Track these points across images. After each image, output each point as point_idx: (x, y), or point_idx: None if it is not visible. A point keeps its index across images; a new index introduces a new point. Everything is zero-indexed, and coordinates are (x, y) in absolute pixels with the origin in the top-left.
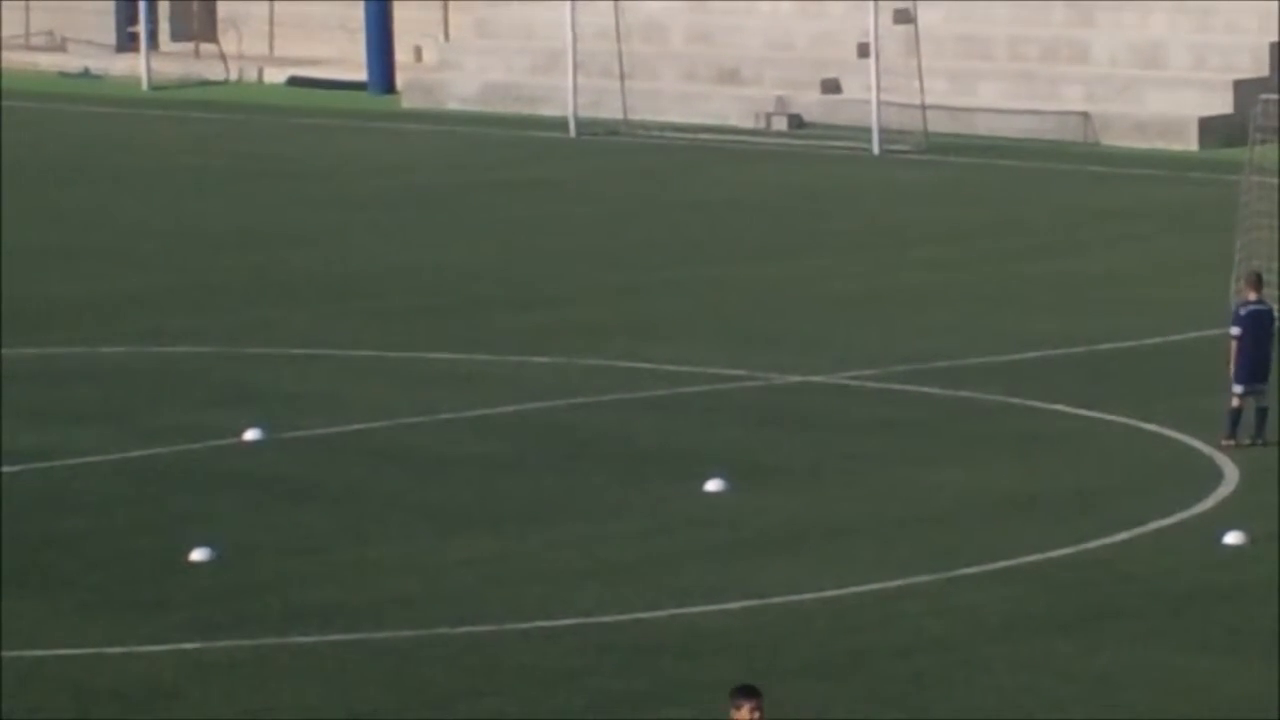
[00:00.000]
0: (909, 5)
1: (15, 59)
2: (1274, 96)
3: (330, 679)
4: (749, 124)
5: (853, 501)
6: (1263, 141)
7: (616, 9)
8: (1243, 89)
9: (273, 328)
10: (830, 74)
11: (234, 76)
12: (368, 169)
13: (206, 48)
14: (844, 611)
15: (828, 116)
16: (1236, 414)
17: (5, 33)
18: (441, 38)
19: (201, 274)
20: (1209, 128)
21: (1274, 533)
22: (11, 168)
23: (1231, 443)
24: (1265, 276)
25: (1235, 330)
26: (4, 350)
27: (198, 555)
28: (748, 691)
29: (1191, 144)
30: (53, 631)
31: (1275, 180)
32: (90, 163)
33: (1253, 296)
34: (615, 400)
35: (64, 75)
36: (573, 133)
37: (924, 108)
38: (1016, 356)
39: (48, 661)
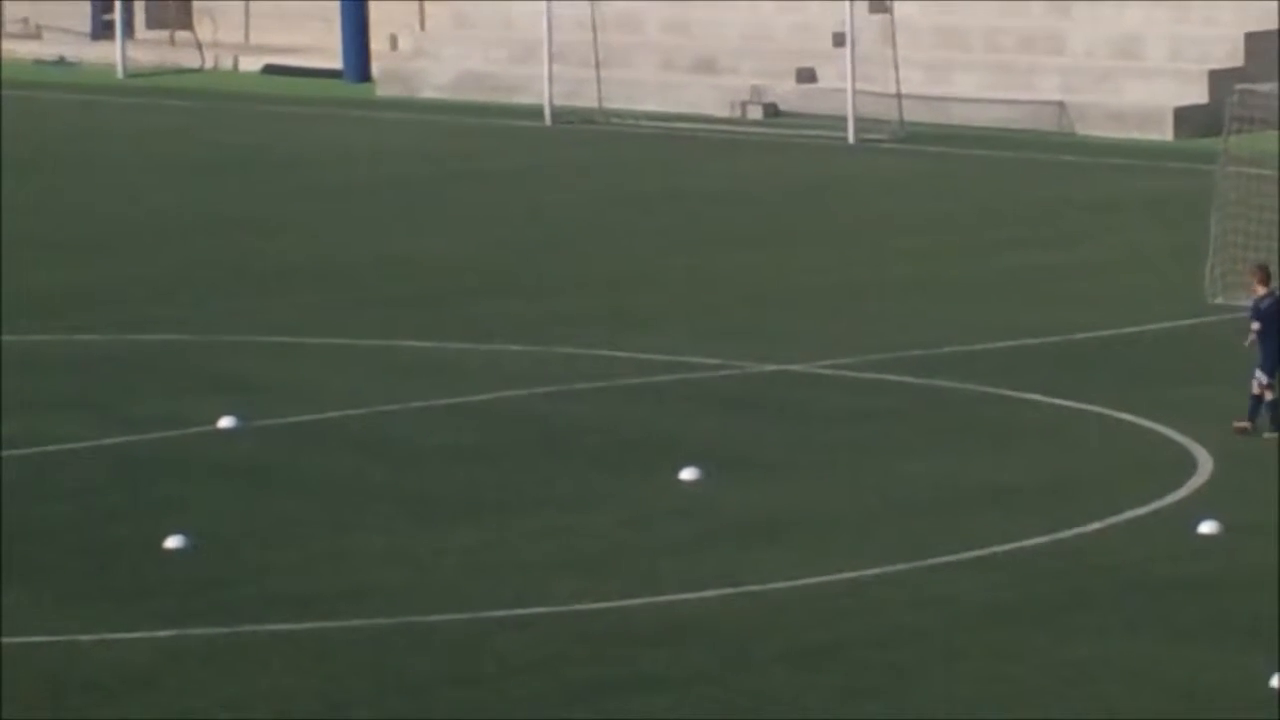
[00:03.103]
0: None
1: None
2: (1249, 87)
3: (307, 667)
4: (725, 113)
5: (829, 491)
6: (1238, 131)
7: None
8: (1218, 79)
9: (249, 316)
10: (806, 63)
11: (209, 65)
12: (343, 158)
13: (182, 36)
14: (820, 600)
15: (804, 106)
16: (1258, 400)
17: None
18: (417, 26)
19: (177, 262)
20: (1184, 118)
21: (1248, 522)
22: None
23: (1247, 426)
24: (1238, 267)
25: (1255, 326)
26: None
27: (173, 543)
28: None
29: (1167, 134)
30: (29, 619)
31: (1250, 170)
32: (66, 151)
33: (1261, 290)
34: (591, 389)
35: (39, 63)
36: (548, 122)
37: (900, 97)
38: (992, 346)
39: (24, 649)
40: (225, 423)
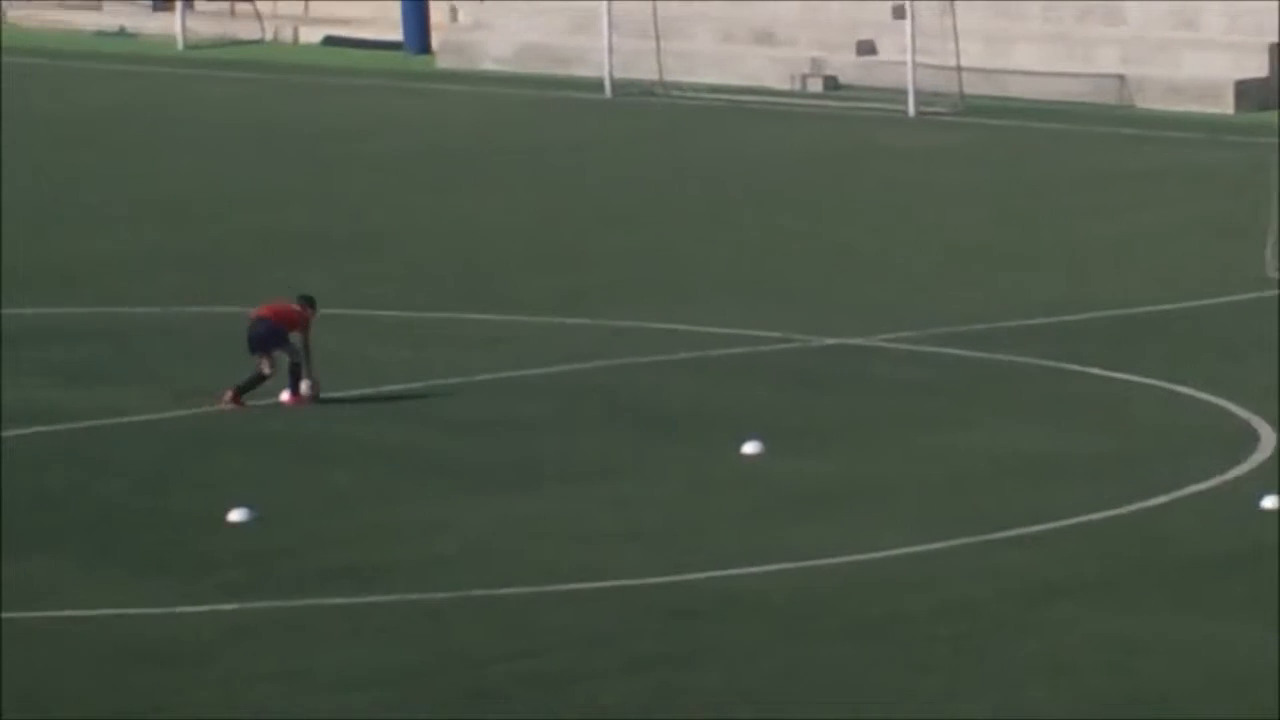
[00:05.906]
0: None
1: (51, 17)
2: None
3: (367, 640)
4: (784, 85)
5: (888, 464)
6: None
7: None
8: (1278, 52)
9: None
10: (865, 35)
11: (269, 36)
12: (402, 130)
13: (242, 7)
14: (880, 575)
15: (863, 78)
16: None
17: None
18: None
19: (236, 234)
20: (1244, 91)
21: None
22: (47, 127)
23: None
24: None
25: None
26: (41, 310)
27: (236, 516)
28: None
29: (1227, 107)
30: (91, 593)
31: None
32: (125, 122)
33: None
34: (650, 362)
35: (100, 34)
36: (608, 93)
37: (959, 70)
38: (1051, 319)
39: (87, 623)
40: (285, 397)
